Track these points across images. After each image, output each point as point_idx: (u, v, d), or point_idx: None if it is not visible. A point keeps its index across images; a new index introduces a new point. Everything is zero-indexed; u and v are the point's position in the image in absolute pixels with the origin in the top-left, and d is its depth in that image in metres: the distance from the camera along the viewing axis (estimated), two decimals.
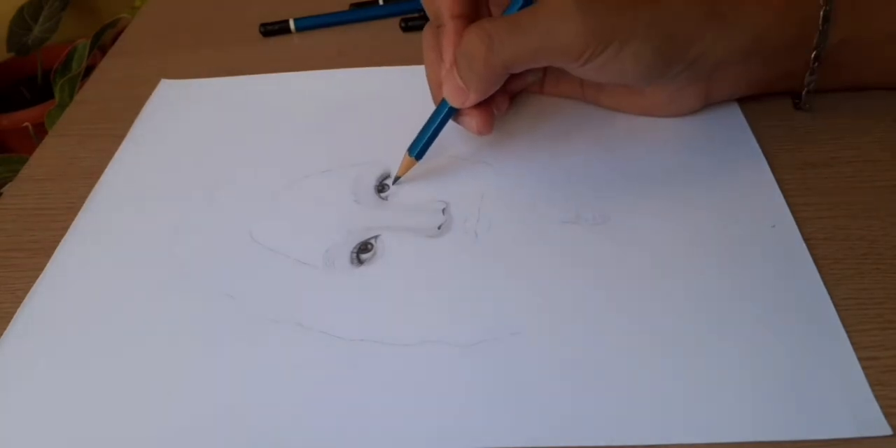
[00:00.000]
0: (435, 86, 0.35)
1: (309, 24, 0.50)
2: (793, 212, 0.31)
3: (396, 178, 0.35)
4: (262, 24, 0.50)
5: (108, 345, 0.29)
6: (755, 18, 0.32)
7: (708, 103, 0.36)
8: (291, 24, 0.50)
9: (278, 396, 0.27)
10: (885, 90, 0.37)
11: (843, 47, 0.33)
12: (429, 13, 0.34)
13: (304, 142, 0.39)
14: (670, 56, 0.31)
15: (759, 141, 0.35)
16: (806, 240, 0.30)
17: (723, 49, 0.32)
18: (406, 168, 0.35)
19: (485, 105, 0.33)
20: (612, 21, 0.29)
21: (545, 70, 0.38)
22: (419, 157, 0.34)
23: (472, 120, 0.33)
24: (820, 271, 0.29)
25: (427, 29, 0.35)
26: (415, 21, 0.48)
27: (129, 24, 0.55)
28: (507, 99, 0.36)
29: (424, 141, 0.34)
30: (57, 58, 1.21)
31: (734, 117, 0.36)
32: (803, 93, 0.35)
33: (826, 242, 0.30)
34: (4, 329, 0.30)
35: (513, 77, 0.33)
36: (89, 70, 1.01)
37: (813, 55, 0.33)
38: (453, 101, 0.32)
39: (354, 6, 0.52)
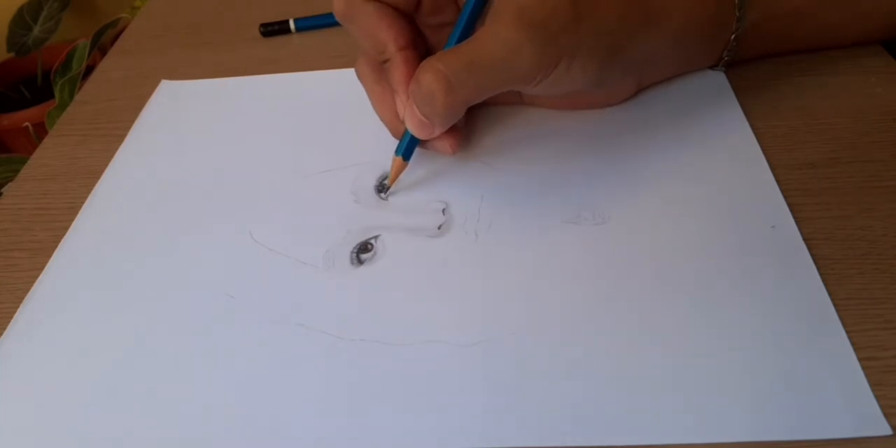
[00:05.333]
0: (388, 119, 0.35)
1: (309, 24, 0.50)
2: (793, 212, 0.31)
3: (388, 187, 0.35)
4: (262, 24, 0.50)
5: (108, 345, 0.29)
6: (679, 14, 0.34)
7: (638, 90, 0.38)
8: (291, 24, 0.50)
9: (278, 396, 0.27)
10: (796, 54, 0.40)
11: (758, 24, 0.36)
12: (368, 48, 0.33)
13: (304, 142, 0.39)
14: (612, 61, 0.33)
15: (759, 141, 0.35)
16: (806, 240, 0.30)
17: (653, 46, 0.34)
18: (397, 170, 0.34)
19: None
20: (558, 43, 0.30)
21: None
22: (406, 156, 0.34)
23: (444, 143, 0.33)
24: (820, 271, 0.29)
25: (362, 64, 0.34)
26: None
27: (129, 24, 0.55)
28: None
29: (409, 140, 0.33)
30: (57, 58, 1.21)
31: (735, 117, 0.36)
32: (720, 65, 0.39)
33: (826, 242, 0.30)
34: (4, 329, 0.30)
35: None
36: (89, 70, 1.01)
37: (732, 37, 0.36)
38: (419, 135, 0.32)
39: None
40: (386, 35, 0.32)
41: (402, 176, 0.35)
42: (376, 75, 0.34)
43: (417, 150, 0.35)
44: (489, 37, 0.29)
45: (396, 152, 0.34)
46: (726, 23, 0.36)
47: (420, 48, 0.33)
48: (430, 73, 0.29)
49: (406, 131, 0.33)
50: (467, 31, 0.32)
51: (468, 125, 0.38)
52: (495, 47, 0.29)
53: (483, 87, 0.30)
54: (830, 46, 0.40)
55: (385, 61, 0.33)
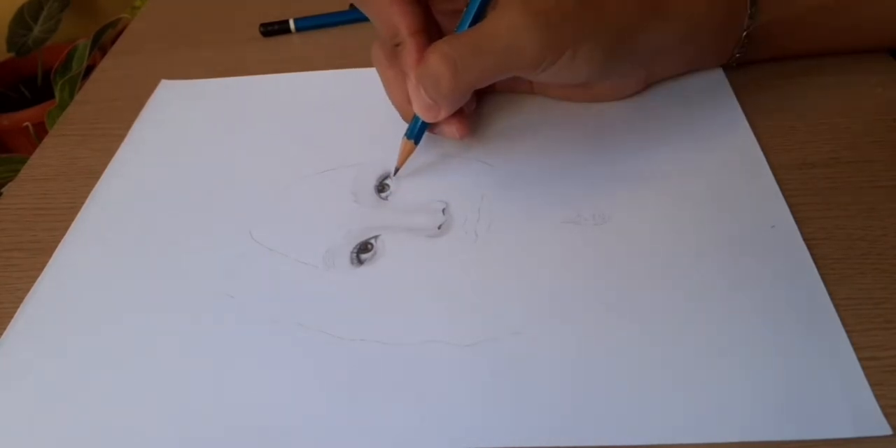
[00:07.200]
0: (399, 102, 0.35)
1: (309, 24, 0.50)
2: (793, 212, 0.31)
3: (396, 170, 0.35)
4: (262, 24, 0.50)
5: (108, 344, 0.29)
6: (689, 7, 0.34)
7: (647, 85, 0.38)
8: (291, 24, 0.50)
9: (278, 396, 0.27)
10: (809, 57, 0.39)
11: (770, 24, 0.36)
12: (383, 32, 0.34)
13: (304, 142, 0.39)
14: (618, 53, 0.33)
15: (759, 141, 0.35)
16: (806, 240, 0.30)
17: (662, 38, 0.34)
18: (406, 154, 0.35)
19: (457, 111, 0.34)
20: (564, 30, 0.30)
21: None
22: (417, 140, 0.34)
23: (451, 127, 0.34)
24: (820, 271, 0.29)
25: (377, 47, 0.35)
26: None
27: (129, 24, 0.55)
28: (473, 98, 0.37)
29: (418, 124, 0.34)
30: (57, 58, 1.21)
31: (735, 117, 0.36)
32: (730, 63, 0.39)
33: (826, 242, 0.30)
34: (4, 329, 0.30)
35: None
36: (89, 70, 1.01)
37: (743, 35, 0.36)
38: (426, 118, 0.33)
39: (354, 6, 0.52)
40: (398, 19, 0.32)
41: (403, 175, 0.35)
42: (389, 59, 0.34)
43: (418, 152, 0.35)
44: (496, 22, 0.30)
45: (406, 135, 0.34)
46: (738, 20, 0.35)
47: (433, 34, 0.34)
48: (437, 56, 0.30)
49: (416, 114, 0.33)
50: (477, 18, 0.32)
51: (476, 113, 0.38)
52: (501, 33, 0.30)
53: (487, 71, 0.31)
54: (843, 51, 0.39)
55: (397, 45, 0.33)
